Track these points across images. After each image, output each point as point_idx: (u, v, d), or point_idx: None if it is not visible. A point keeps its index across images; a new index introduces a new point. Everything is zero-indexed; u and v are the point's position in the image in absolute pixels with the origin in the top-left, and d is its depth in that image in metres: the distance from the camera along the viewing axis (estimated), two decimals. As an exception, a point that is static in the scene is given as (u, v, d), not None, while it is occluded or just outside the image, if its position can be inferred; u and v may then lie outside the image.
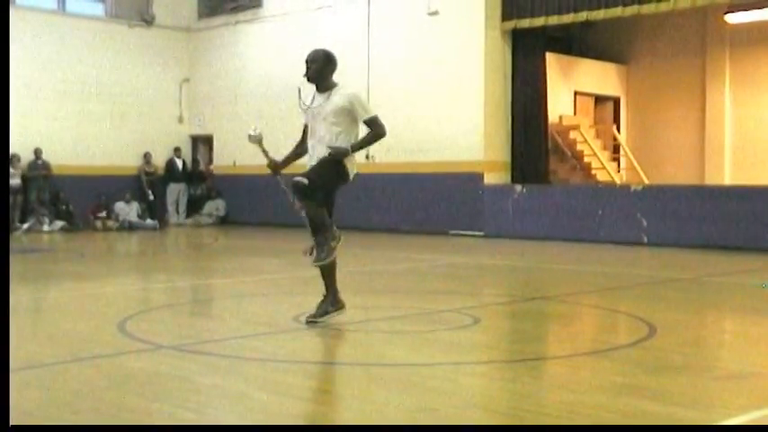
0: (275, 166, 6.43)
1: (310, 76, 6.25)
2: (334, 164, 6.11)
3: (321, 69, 6.23)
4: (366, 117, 6.16)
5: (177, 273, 11.23)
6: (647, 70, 20.27)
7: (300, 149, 6.44)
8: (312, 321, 6.19)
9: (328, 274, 6.25)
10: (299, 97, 6.32)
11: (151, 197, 19.81)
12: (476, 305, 7.73)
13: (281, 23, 19.11)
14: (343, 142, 6.13)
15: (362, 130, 6.31)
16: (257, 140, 6.42)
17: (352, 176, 6.22)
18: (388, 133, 6.27)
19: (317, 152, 6.19)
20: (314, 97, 6.25)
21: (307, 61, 6.25)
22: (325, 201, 6.17)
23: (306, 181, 5.97)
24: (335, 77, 6.33)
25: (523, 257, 12.52)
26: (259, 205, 19.25)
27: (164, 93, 20.74)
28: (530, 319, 7.21)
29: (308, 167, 6.21)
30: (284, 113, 16.96)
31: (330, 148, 6.07)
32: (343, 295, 6.36)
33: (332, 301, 6.27)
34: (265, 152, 6.40)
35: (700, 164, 19.34)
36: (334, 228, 6.21)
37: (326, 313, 6.22)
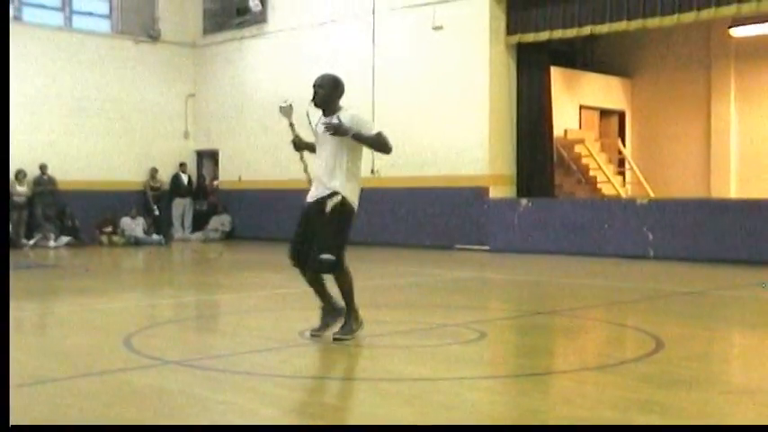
0: (300, 143, 6.41)
1: (318, 102, 6.24)
2: (338, 212, 6.06)
3: (329, 95, 6.22)
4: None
5: (183, 288, 11.24)
6: (651, 84, 20.27)
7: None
8: (338, 339, 6.18)
9: (348, 291, 6.23)
10: (309, 120, 6.31)
11: (156, 212, 19.86)
12: (482, 319, 7.72)
13: (286, 39, 19.19)
14: (348, 166, 6.11)
15: (366, 153, 6.28)
16: (288, 113, 6.38)
17: (356, 206, 6.18)
18: (393, 147, 6.24)
19: (321, 176, 6.16)
20: (320, 121, 6.26)
21: (314, 86, 6.25)
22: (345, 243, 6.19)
23: (332, 258, 5.99)
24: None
25: (531, 273, 12.49)
26: (264, 220, 19.28)
27: (169, 108, 20.82)
28: (536, 333, 7.19)
29: (312, 194, 6.19)
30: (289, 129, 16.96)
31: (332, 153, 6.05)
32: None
33: (355, 317, 6.28)
34: (292, 126, 6.36)
35: (705, 177, 19.30)
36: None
37: (352, 330, 6.23)
